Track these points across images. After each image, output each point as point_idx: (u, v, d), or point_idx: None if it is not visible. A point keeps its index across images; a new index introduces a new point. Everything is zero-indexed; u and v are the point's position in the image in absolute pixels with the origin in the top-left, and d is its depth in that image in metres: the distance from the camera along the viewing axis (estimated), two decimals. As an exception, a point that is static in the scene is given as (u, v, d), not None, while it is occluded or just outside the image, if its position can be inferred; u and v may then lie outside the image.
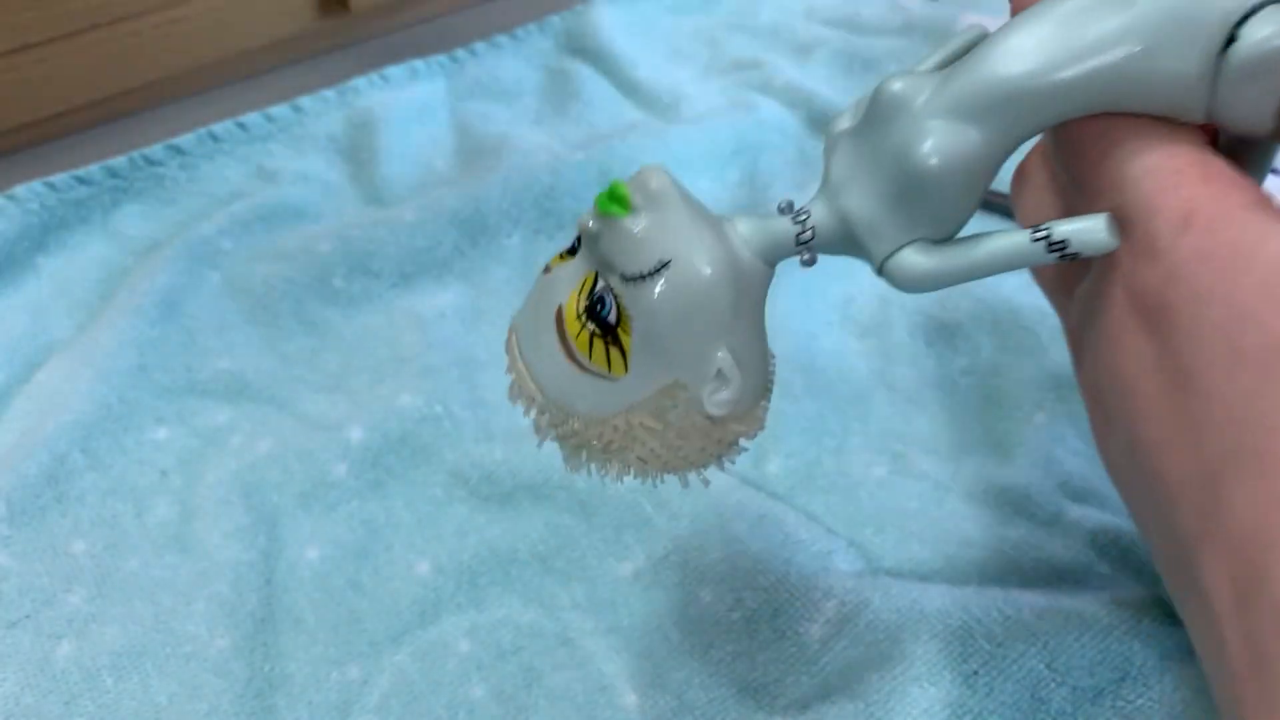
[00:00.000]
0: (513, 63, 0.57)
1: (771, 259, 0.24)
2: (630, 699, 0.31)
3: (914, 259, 0.22)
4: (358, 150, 0.51)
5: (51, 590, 0.35)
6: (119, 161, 0.49)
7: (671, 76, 0.56)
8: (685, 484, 0.25)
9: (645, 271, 0.22)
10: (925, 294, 0.43)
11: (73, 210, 0.47)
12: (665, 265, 0.22)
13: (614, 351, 0.23)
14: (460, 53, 0.57)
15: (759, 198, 0.48)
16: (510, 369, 0.25)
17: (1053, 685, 0.30)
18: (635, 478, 0.24)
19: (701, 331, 0.23)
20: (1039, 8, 0.22)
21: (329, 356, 0.42)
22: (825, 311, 0.43)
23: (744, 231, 0.23)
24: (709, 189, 0.49)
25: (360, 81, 0.54)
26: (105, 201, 0.48)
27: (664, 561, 0.34)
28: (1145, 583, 0.33)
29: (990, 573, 0.34)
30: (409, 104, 0.53)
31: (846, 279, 0.44)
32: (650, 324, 0.22)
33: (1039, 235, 0.21)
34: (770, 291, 0.41)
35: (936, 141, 0.22)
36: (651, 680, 0.32)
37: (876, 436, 0.39)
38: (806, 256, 0.24)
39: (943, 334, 0.42)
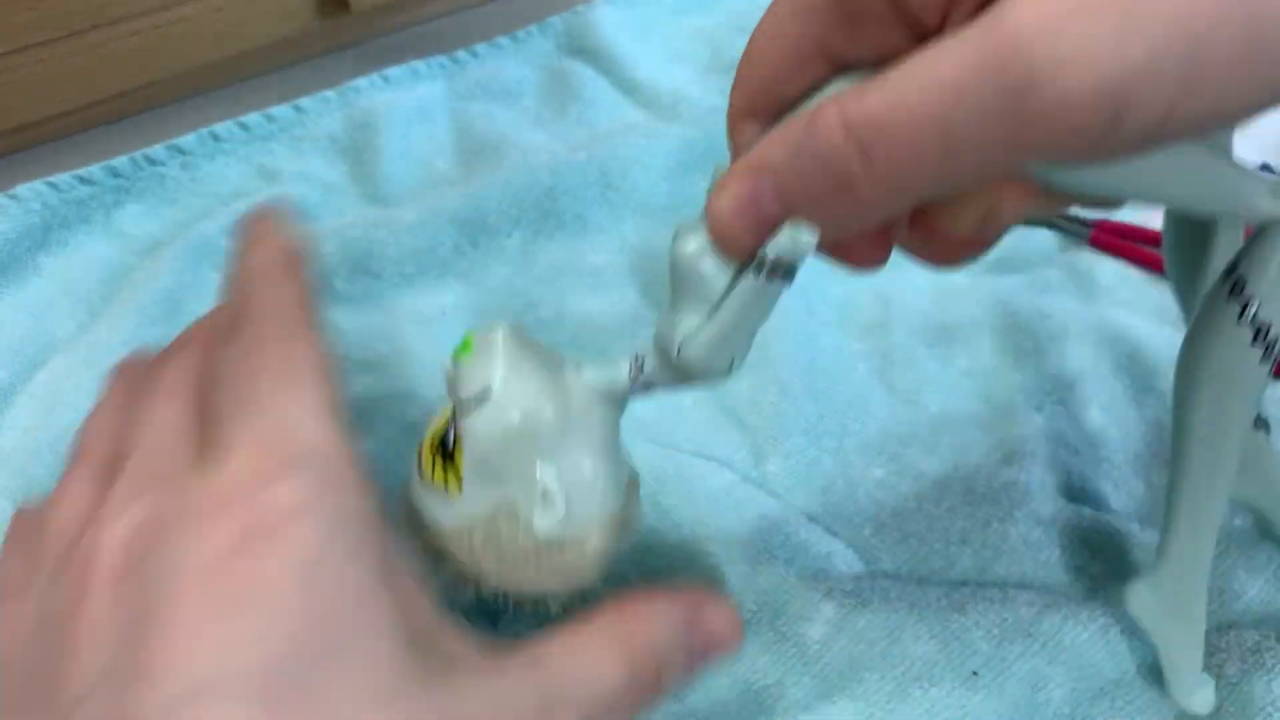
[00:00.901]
0: (513, 63, 0.57)
1: (612, 400, 0.27)
2: (632, 699, 0.32)
3: (690, 342, 0.25)
4: (358, 150, 0.52)
5: (55, 589, 0.35)
6: (121, 161, 0.49)
7: (672, 77, 0.56)
8: (551, 608, 0.28)
9: (471, 399, 0.26)
10: (925, 296, 0.43)
11: (74, 210, 0.47)
12: (486, 394, 0.26)
13: (451, 472, 0.27)
14: (461, 54, 0.57)
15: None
16: None
17: (1053, 685, 0.31)
18: (498, 597, 0.27)
19: (523, 454, 0.26)
20: None
21: (330, 353, 0.42)
22: (825, 312, 0.43)
23: (586, 377, 0.27)
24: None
25: (361, 82, 0.54)
26: (107, 201, 0.48)
27: (666, 565, 0.34)
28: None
29: (989, 573, 0.34)
30: (410, 104, 0.53)
31: (846, 281, 0.44)
32: (474, 445, 0.26)
33: (757, 266, 0.23)
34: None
35: (684, 236, 0.24)
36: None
37: (876, 436, 0.39)
38: (642, 390, 0.27)
39: (942, 336, 0.42)
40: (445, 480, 0.27)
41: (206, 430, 0.24)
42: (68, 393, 0.40)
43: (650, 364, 0.26)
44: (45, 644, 0.22)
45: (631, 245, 0.46)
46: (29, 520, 0.27)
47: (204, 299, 0.43)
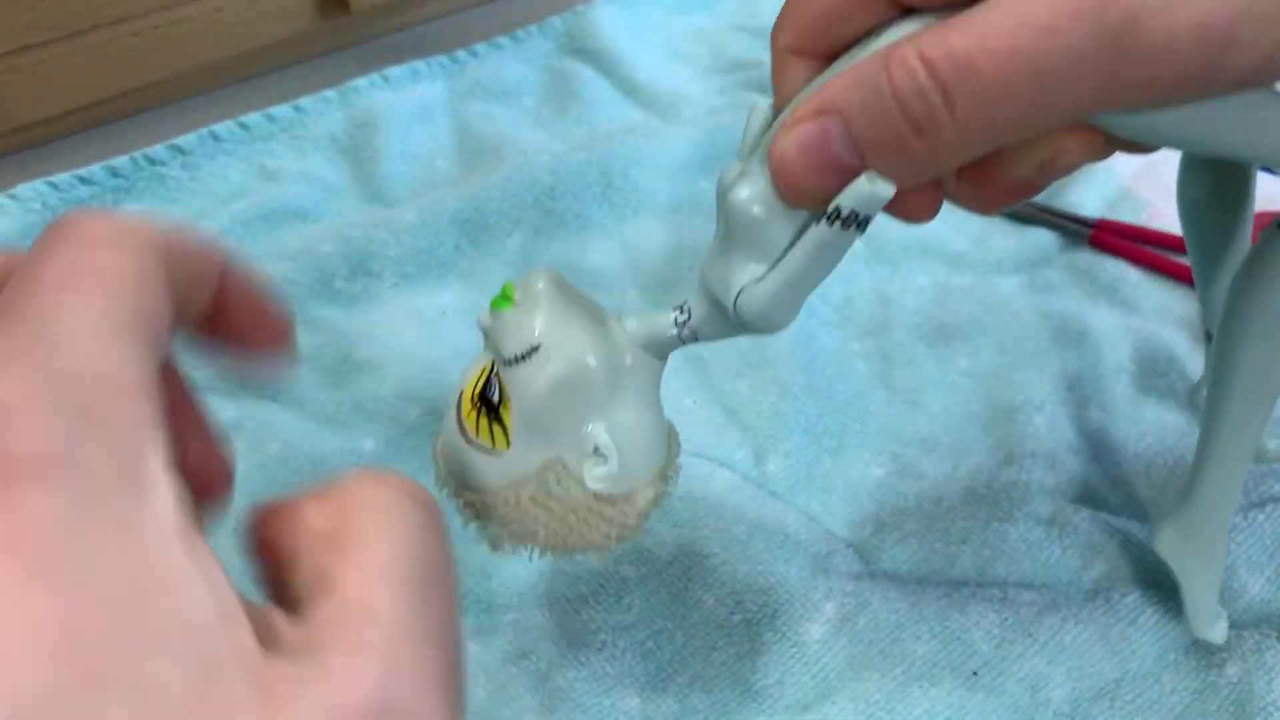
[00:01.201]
0: (513, 63, 0.57)
1: (658, 351, 0.26)
2: (633, 702, 0.32)
3: (751, 291, 0.24)
4: (359, 150, 0.52)
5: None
6: (121, 161, 0.49)
7: (672, 76, 0.56)
8: (598, 558, 0.27)
9: (519, 355, 0.25)
10: (925, 297, 0.43)
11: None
12: (535, 350, 0.25)
13: (497, 428, 0.25)
14: (461, 54, 0.57)
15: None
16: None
17: (1052, 684, 0.31)
18: (541, 554, 0.26)
19: (572, 410, 0.25)
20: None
21: (331, 352, 0.42)
22: (825, 312, 0.43)
23: (630, 327, 0.26)
24: (709, 189, 0.49)
25: (361, 82, 0.54)
26: (107, 201, 0.48)
27: (668, 566, 0.34)
28: (1145, 582, 0.33)
29: (990, 572, 0.34)
30: (410, 104, 0.53)
31: (846, 281, 0.44)
32: (523, 402, 0.25)
33: (830, 216, 0.22)
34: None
35: (739, 183, 0.23)
36: (654, 683, 0.32)
37: (875, 436, 0.39)
38: (690, 339, 0.26)
39: (942, 335, 0.42)
40: (491, 436, 0.26)
41: None
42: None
43: (699, 313, 0.25)
44: None
45: (632, 244, 0.47)
46: None
47: (205, 299, 0.44)
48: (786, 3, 0.23)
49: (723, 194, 0.24)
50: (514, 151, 0.50)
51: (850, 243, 0.22)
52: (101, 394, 0.16)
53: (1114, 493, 0.37)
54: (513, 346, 0.25)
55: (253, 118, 0.52)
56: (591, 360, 0.25)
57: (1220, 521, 0.30)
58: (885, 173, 0.21)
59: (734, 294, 0.24)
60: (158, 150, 0.50)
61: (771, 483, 0.37)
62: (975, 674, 0.31)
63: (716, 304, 0.25)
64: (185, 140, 0.51)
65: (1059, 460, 0.37)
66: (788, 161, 0.22)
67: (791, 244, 0.23)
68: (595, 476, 0.25)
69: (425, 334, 0.43)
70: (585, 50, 0.57)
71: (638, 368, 0.26)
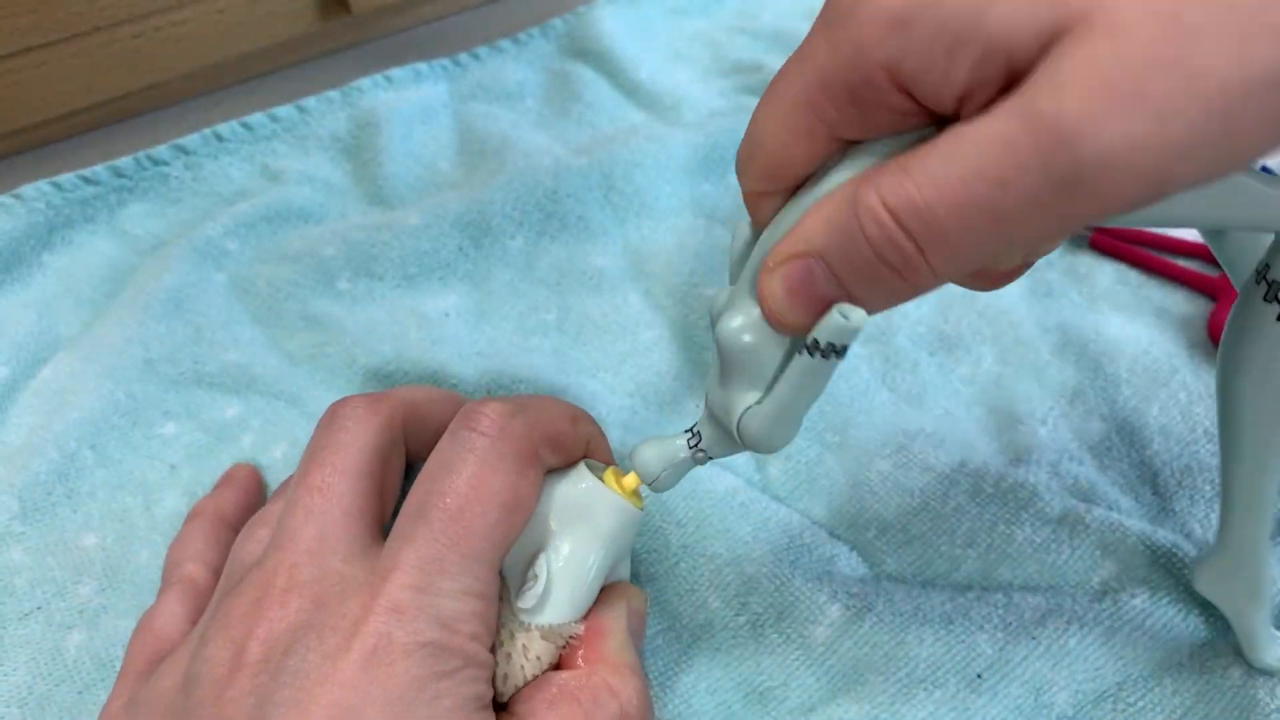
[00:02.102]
0: (515, 66, 0.57)
1: (675, 474, 0.29)
2: (638, 701, 0.32)
3: (750, 417, 0.25)
4: (361, 150, 0.52)
5: (63, 582, 0.35)
6: (124, 161, 0.49)
7: (673, 79, 0.56)
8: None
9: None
10: (928, 304, 0.43)
11: (78, 209, 0.47)
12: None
13: None
14: (463, 56, 0.57)
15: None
16: None
17: (1056, 687, 0.31)
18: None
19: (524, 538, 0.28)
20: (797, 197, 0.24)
21: (334, 352, 0.42)
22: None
23: (648, 456, 0.29)
24: (710, 191, 0.49)
25: (364, 82, 0.54)
26: (111, 201, 0.48)
27: (673, 570, 0.34)
28: (1152, 583, 0.34)
29: (994, 576, 0.34)
30: (412, 105, 0.54)
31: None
32: None
33: (810, 348, 0.23)
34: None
35: (728, 313, 0.25)
36: (659, 684, 0.32)
37: (879, 430, 0.39)
38: (703, 460, 0.28)
39: (944, 344, 0.42)
40: None
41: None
42: (71, 390, 0.40)
43: (708, 436, 0.28)
44: None
45: (634, 247, 0.47)
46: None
47: (207, 298, 0.44)
48: (741, 150, 0.25)
49: (714, 322, 0.25)
50: (516, 153, 0.50)
51: (834, 368, 0.24)
52: None
53: (1122, 498, 0.37)
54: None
55: (256, 118, 0.52)
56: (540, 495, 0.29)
57: (1257, 558, 0.30)
58: (874, 301, 0.22)
59: (735, 420, 0.26)
60: (161, 150, 0.50)
61: (774, 486, 0.37)
62: (979, 676, 0.31)
63: (721, 427, 0.27)
64: (188, 140, 0.51)
65: (1063, 468, 0.38)
66: (777, 301, 0.23)
67: (782, 367, 0.25)
68: (523, 598, 0.28)
69: (428, 336, 0.43)
70: (587, 52, 0.57)
71: (599, 512, 0.29)
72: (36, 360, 0.42)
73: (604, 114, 0.54)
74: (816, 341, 0.23)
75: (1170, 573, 0.34)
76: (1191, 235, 0.47)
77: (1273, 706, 0.30)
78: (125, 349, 0.41)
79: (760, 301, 0.24)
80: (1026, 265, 0.26)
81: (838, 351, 0.23)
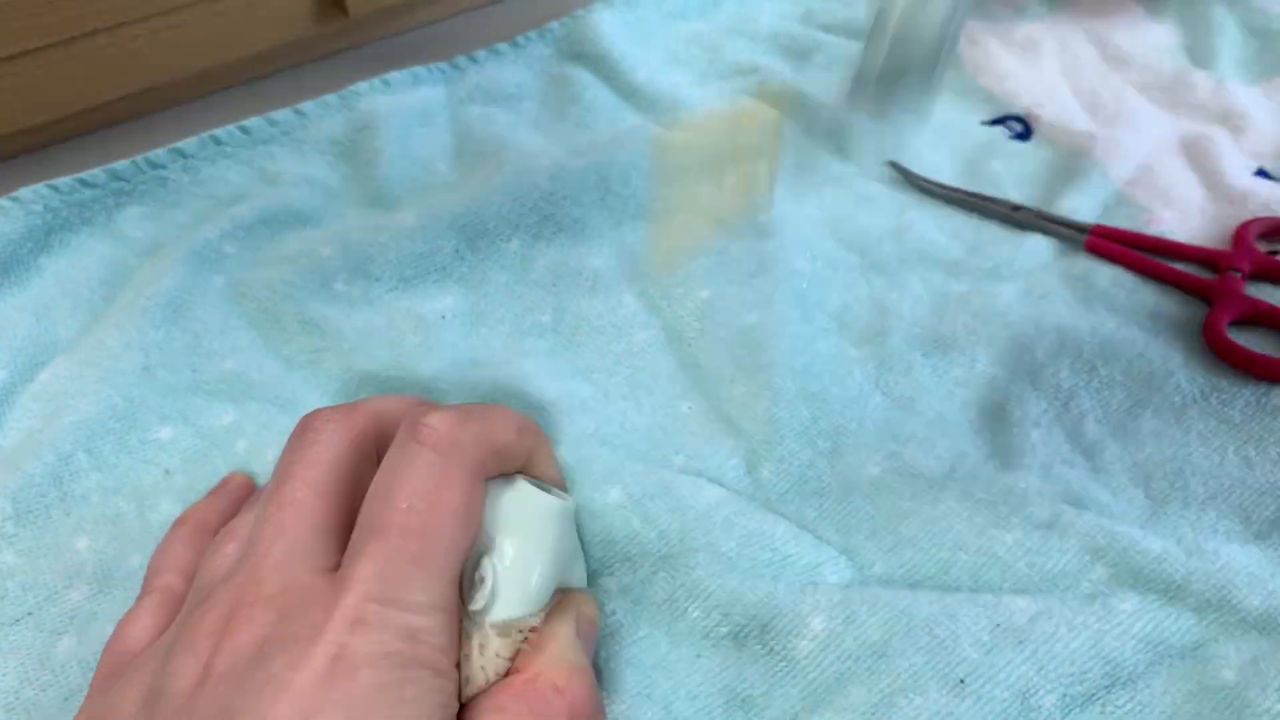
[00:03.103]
0: (513, 69, 0.57)
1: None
2: (618, 708, 0.32)
3: None
4: (359, 153, 0.52)
5: (54, 586, 0.35)
6: (122, 164, 0.49)
7: (671, 81, 0.56)
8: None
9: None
10: (923, 305, 0.43)
11: (76, 212, 0.48)
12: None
13: None
14: (461, 59, 0.57)
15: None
16: None
17: (1042, 691, 0.31)
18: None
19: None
20: None
21: (330, 358, 0.42)
22: (822, 319, 0.43)
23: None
24: (710, 193, 0.49)
25: (362, 85, 0.54)
26: (108, 204, 0.49)
27: (651, 577, 0.34)
28: (1141, 586, 0.34)
29: (983, 578, 0.34)
30: (410, 108, 0.54)
31: (844, 290, 0.44)
32: None
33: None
34: (768, 297, 0.41)
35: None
36: (638, 689, 0.32)
37: (871, 434, 0.39)
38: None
39: (938, 345, 0.42)
40: None
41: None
42: (69, 394, 0.40)
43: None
44: None
45: (630, 249, 0.47)
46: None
47: (205, 301, 0.44)
48: None
49: None
50: (513, 155, 0.50)
51: None
52: None
53: (1113, 501, 0.37)
54: None
55: (254, 121, 0.52)
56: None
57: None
58: None
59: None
60: (159, 154, 0.50)
61: (765, 489, 0.37)
62: (962, 682, 0.31)
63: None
64: (186, 144, 0.51)
65: (1057, 472, 0.37)
66: None
67: None
68: (473, 597, 0.29)
69: (424, 338, 0.43)
70: (584, 55, 0.57)
71: (535, 511, 0.30)
72: (34, 363, 0.42)
73: (601, 116, 0.54)
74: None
75: (1161, 577, 0.33)
76: (1188, 238, 0.47)
77: (1263, 708, 0.30)
78: (124, 355, 0.41)
79: None
80: None
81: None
